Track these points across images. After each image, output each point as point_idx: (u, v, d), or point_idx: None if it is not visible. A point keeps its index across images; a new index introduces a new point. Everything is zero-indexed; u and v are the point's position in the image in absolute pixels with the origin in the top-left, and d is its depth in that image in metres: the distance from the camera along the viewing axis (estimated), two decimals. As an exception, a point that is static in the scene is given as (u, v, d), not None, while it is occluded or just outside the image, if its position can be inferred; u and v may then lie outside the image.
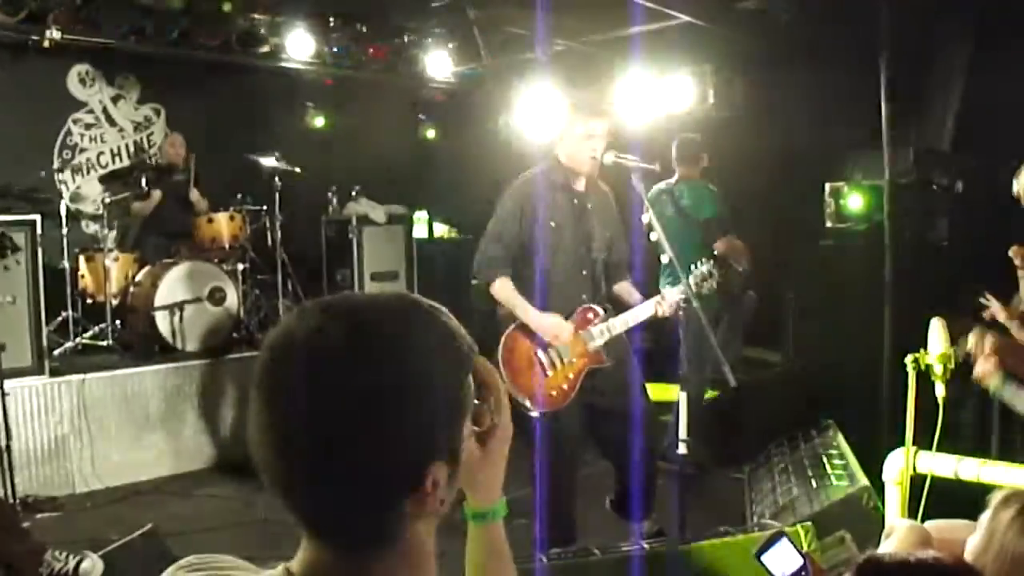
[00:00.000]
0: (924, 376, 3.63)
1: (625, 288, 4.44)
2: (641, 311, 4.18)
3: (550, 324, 4.07)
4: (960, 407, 3.76)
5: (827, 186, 6.93)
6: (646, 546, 3.68)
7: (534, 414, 4.08)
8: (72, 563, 3.98)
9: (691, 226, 5.75)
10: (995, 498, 2.03)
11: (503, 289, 4.12)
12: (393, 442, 1.06)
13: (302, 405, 1.06)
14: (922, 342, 3.66)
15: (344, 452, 1.06)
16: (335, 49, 8.63)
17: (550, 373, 4.10)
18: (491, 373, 1.24)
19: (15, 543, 4.00)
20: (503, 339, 4.11)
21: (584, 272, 4.26)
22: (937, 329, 3.67)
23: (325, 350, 1.08)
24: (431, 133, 10.17)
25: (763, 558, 1.95)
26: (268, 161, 7.43)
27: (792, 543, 1.96)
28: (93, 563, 4.01)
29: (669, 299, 4.12)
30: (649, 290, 4.40)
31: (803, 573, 1.90)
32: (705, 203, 5.86)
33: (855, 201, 6.70)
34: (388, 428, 1.06)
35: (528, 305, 4.09)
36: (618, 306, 4.32)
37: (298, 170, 7.56)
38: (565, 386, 4.11)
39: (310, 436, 1.06)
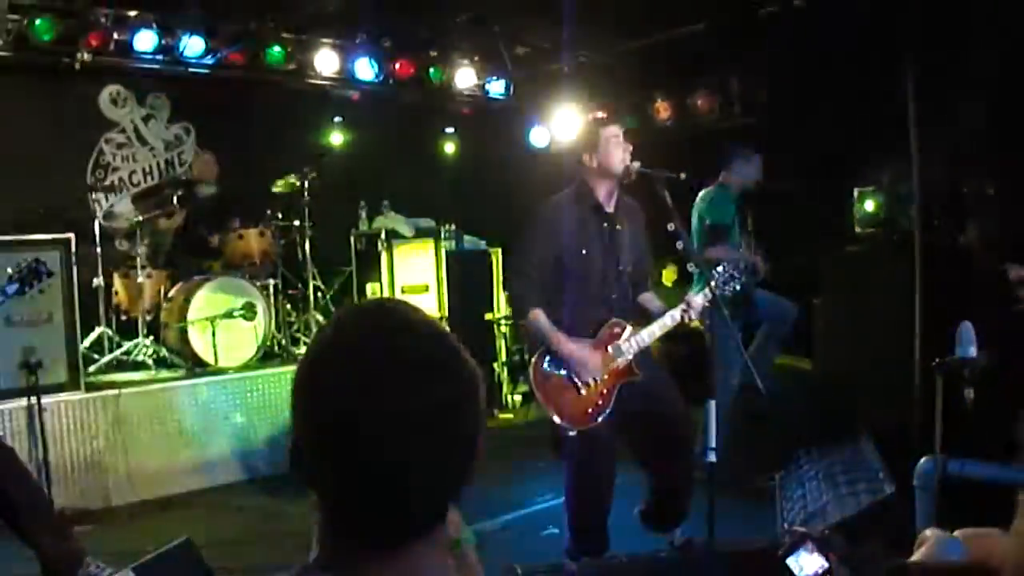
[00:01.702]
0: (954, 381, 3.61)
1: (648, 298, 4.43)
2: (668, 320, 4.17)
3: (580, 358, 4.06)
4: (991, 412, 3.72)
5: (855, 191, 6.89)
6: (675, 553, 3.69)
7: (571, 433, 4.07)
8: (106, 573, 4.05)
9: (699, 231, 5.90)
10: None
11: (536, 321, 4.07)
12: (475, 426, 1.23)
13: (429, 399, 1.17)
14: (952, 346, 3.64)
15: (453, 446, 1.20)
16: (362, 65, 8.72)
17: (583, 392, 4.07)
18: None
19: (60, 543, 4.09)
20: (534, 362, 4.10)
21: (614, 295, 4.24)
22: (966, 333, 3.65)
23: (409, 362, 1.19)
24: (459, 146, 10.23)
25: (788, 561, 1.96)
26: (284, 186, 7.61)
27: (817, 547, 1.96)
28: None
29: (695, 305, 4.12)
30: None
31: (826, 577, 1.90)
32: (709, 208, 5.94)
33: (869, 204, 6.70)
34: (472, 415, 1.23)
35: (561, 336, 4.05)
36: (643, 316, 4.31)
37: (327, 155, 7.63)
38: (600, 402, 4.08)
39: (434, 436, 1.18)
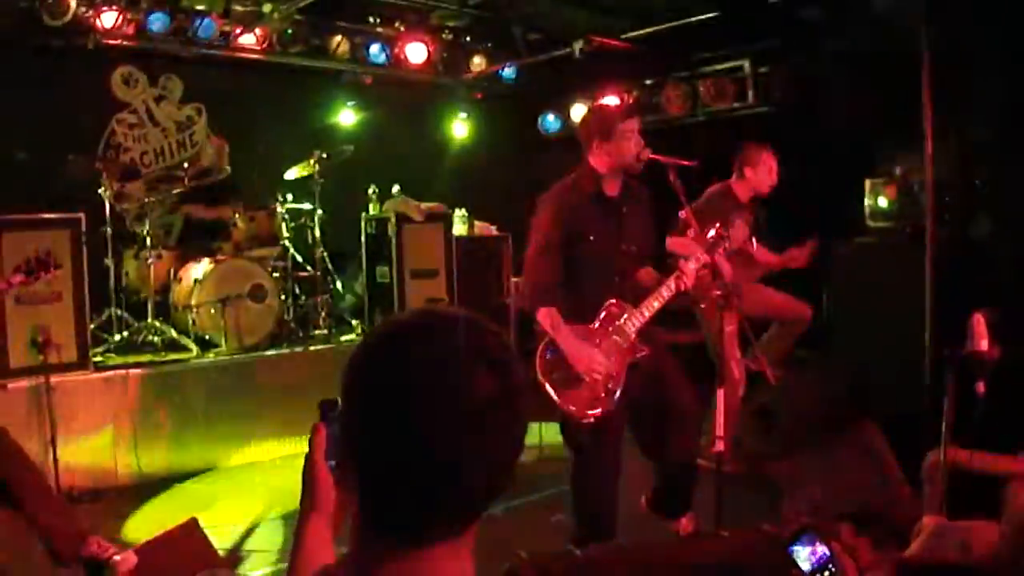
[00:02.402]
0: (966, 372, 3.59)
1: (646, 273, 4.38)
2: (664, 291, 4.13)
3: (585, 357, 4.00)
4: (1001, 405, 3.71)
5: (867, 182, 6.86)
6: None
7: (586, 420, 4.04)
8: (111, 552, 4.07)
9: None
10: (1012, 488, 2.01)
11: (548, 318, 4.02)
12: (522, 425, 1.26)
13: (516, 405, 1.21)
14: (963, 339, 3.62)
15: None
16: (374, 48, 8.70)
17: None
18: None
19: (64, 523, 4.11)
20: (539, 353, 4.04)
21: (617, 279, 4.23)
22: (977, 326, 3.62)
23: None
24: (471, 130, 10.20)
25: (792, 549, 1.95)
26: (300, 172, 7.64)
27: (819, 536, 1.95)
28: (126, 556, 4.08)
29: (688, 272, 4.11)
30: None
31: (830, 565, 1.90)
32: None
33: (882, 198, 6.67)
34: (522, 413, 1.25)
35: (570, 335, 4.00)
36: (644, 293, 4.27)
37: (350, 147, 7.72)
38: (610, 385, 4.06)
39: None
